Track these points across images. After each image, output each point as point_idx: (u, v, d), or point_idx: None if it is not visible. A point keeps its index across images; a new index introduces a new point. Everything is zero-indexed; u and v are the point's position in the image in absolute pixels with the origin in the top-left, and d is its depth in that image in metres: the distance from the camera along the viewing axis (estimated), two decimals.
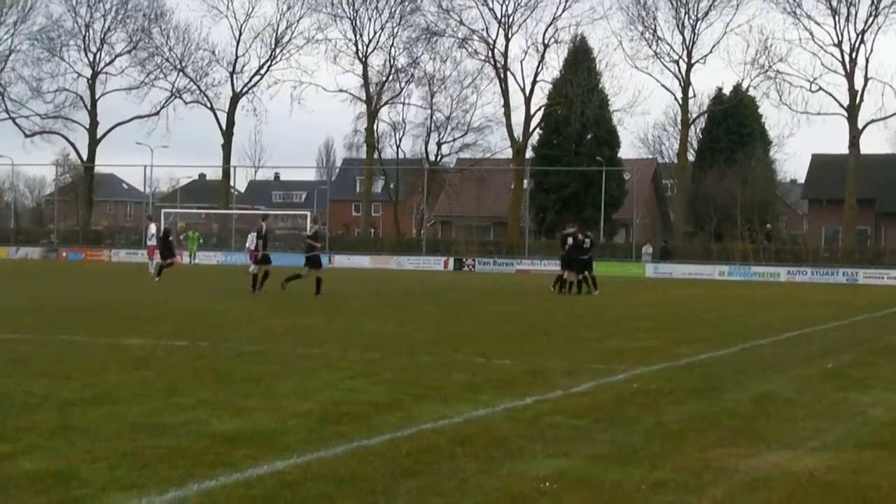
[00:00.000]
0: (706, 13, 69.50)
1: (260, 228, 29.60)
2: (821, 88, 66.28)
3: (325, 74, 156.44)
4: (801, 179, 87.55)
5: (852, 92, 65.13)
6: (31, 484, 6.26)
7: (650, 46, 70.52)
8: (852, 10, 64.71)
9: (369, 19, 72.82)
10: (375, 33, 73.03)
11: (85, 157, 77.93)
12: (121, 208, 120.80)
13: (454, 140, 77.60)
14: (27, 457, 6.94)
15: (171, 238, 36.31)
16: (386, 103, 75.43)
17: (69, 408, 8.81)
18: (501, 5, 70.44)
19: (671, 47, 70.49)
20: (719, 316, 23.63)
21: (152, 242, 40.57)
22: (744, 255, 60.24)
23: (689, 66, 70.25)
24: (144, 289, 29.34)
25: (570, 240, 31.01)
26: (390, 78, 74.17)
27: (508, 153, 74.61)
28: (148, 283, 33.16)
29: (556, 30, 71.13)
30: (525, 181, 70.91)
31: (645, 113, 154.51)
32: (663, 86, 72.79)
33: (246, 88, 75.79)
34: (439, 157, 79.00)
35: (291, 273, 28.39)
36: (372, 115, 74.11)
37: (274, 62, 75.21)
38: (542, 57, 71.23)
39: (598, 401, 9.96)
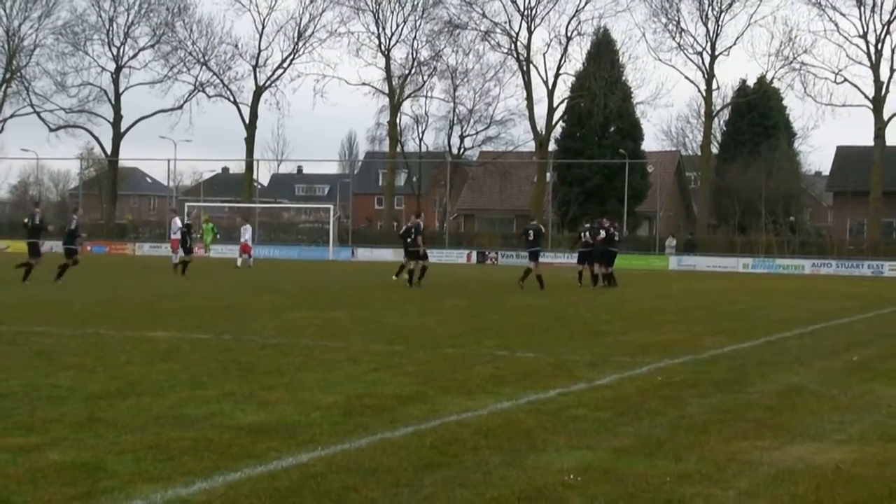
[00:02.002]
0: (730, 4, 69.15)
1: (417, 225, 29.89)
2: (846, 80, 65.89)
3: (347, 68, 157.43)
4: (826, 171, 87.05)
5: (878, 83, 64.65)
6: (58, 475, 6.30)
7: (673, 38, 70.29)
8: (878, 1, 64.25)
9: (392, 12, 72.94)
10: (398, 26, 73.15)
11: (109, 151, 78.35)
12: (144, 202, 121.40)
13: (477, 133, 77.74)
14: (54, 448, 6.99)
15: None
16: (408, 96, 75.51)
17: (95, 400, 8.86)
18: None
19: (695, 39, 70.24)
20: (743, 308, 23.54)
21: (176, 236, 40.76)
22: (768, 248, 60.00)
23: (713, 57, 69.89)
24: (168, 282, 29.49)
25: (602, 232, 30.94)
26: (413, 71, 74.27)
27: (531, 146, 74.54)
28: (171, 276, 33.34)
29: (579, 22, 71.05)
30: (548, 174, 70.84)
31: (668, 105, 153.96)
32: (687, 78, 72.52)
33: (269, 82, 75.99)
34: (462, 150, 79.10)
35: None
36: (395, 109, 74.17)
37: (297, 55, 75.42)
38: (565, 49, 71.13)
39: (622, 393, 9.95)
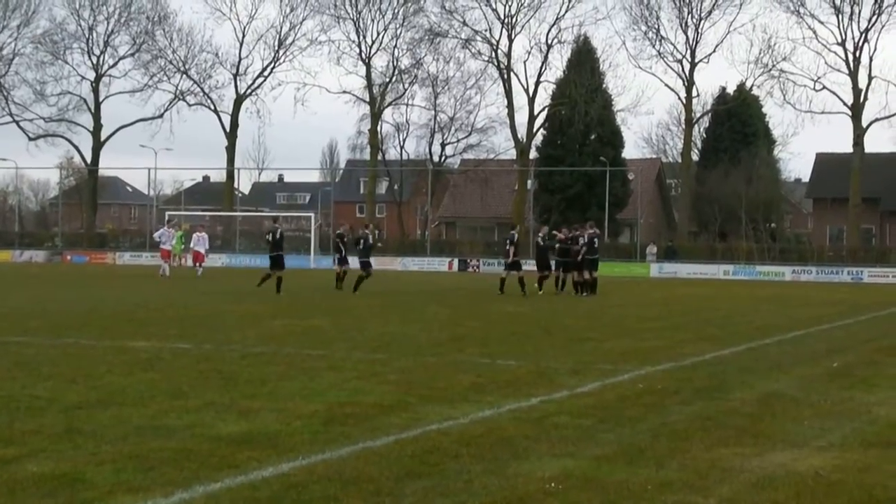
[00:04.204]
0: (709, 12, 69.59)
1: (511, 237, 31.29)
2: (825, 87, 66.37)
3: (328, 76, 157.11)
4: (806, 178, 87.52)
5: (856, 91, 65.08)
6: (36, 487, 6.26)
7: (653, 46, 70.66)
8: (856, 9, 64.79)
9: (372, 20, 72.94)
10: (378, 34, 73.15)
11: (89, 160, 78.06)
12: (125, 211, 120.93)
13: (458, 141, 77.79)
14: (33, 460, 6.94)
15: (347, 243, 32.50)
16: (389, 104, 75.50)
17: (75, 411, 8.81)
18: (504, 6, 70.54)
19: (674, 47, 70.60)
20: (724, 315, 23.61)
21: (166, 246, 40.54)
22: (748, 255, 60.27)
23: (693, 65, 70.26)
24: (149, 291, 29.39)
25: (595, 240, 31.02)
26: (394, 79, 74.29)
27: (512, 154, 74.69)
28: (155, 285, 33.22)
29: (560, 30, 71.27)
30: (529, 182, 70.94)
31: (649, 113, 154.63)
32: (667, 85, 72.87)
33: (249, 90, 75.89)
34: (443, 158, 79.13)
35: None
36: (375, 117, 74.14)
37: (277, 64, 75.39)
38: (546, 57, 71.37)
39: (604, 401, 9.95)
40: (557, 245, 31.87)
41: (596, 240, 31.05)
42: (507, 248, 31.16)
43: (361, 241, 30.98)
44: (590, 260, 30.57)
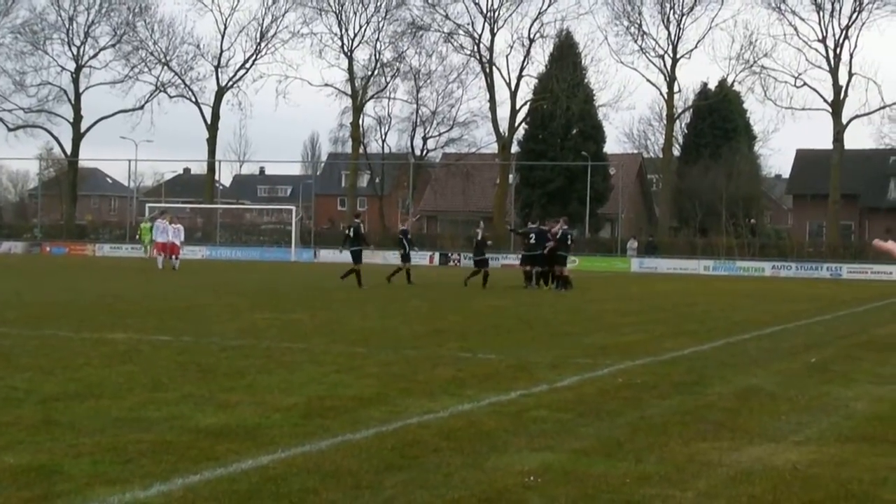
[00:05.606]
0: (691, 8, 69.62)
1: (541, 231, 31.47)
2: (805, 84, 66.54)
3: (310, 69, 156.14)
4: (786, 174, 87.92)
5: (836, 87, 65.32)
6: (13, 479, 6.23)
7: (635, 41, 70.66)
8: (836, 6, 64.98)
9: (355, 13, 72.81)
10: (361, 27, 73.02)
11: (69, 152, 77.63)
12: (105, 202, 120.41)
13: (440, 135, 77.66)
14: (10, 451, 6.90)
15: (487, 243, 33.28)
16: (371, 98, 75.39)
17: (52, 402, 8.77)
18: (487, 0, 70.49)
19: (656, 42, 70.63)
20: (703, 310, 23.69)
21: (160, 238, 40.24)
22: (728, 250, 60.47)
23: (675, 60, 70.33)
24: (128, 283, 29.29)
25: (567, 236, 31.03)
26: (376, 72, 74.18)
27: (494, 148, 74.64)
28: (137, 277, 33.10)
29: (542, 24, 71.29)
30: (510, 176, 70.97)
31: (630, 108, 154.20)
32: (648, 81, 72.84)
33: (231, 82, 75.61)
34: (425, 151, 79.08)
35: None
36: (357, 110, 74.02)
37: (259, 56, 75.13)
38: (528, 52, 71.37)
39: (583, 395, 9.98)
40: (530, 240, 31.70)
41: (568, 236, 31.10)
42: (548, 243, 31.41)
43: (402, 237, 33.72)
44: (560, 256, 30.47)
